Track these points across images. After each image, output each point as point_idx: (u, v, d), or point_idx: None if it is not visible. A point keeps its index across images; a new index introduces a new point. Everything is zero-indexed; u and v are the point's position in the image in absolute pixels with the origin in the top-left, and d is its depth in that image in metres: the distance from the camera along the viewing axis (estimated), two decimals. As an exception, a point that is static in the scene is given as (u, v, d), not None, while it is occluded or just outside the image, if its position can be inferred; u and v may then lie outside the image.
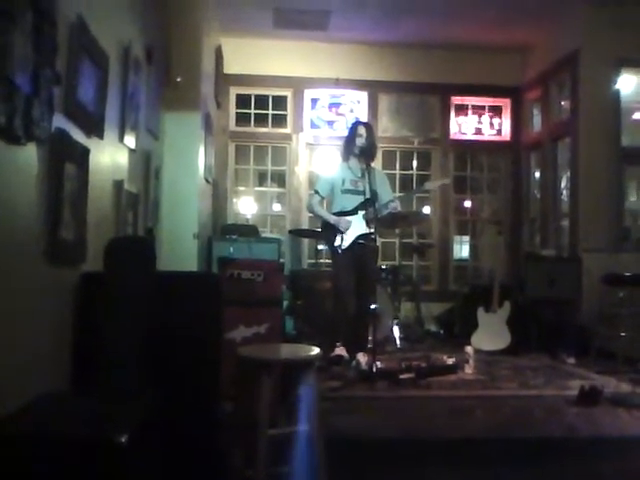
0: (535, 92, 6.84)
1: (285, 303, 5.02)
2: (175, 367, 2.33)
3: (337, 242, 4.42)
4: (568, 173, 6.15)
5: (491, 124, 7.27)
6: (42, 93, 2.02)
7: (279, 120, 7.02)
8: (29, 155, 2.03)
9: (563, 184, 6.39)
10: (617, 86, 5.77)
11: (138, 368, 2.17)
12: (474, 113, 7.24)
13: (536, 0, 5.61)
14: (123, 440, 1.55)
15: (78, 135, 2.51)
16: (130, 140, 3.43)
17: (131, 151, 3.50)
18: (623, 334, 4.44)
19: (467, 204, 7.35)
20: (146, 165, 3.98)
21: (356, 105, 7.07)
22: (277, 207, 7.25)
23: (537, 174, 6.95)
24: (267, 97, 7.00)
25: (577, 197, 5.82)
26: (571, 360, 4.78)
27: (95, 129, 2.77)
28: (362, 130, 4.55)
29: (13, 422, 1.64)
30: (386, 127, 7.06)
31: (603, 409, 3.34)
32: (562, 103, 6.38)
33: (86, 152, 2.59)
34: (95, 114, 2.76)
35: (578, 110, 5.85)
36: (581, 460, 2.79)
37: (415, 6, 5.85)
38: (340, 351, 4.39)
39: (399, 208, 4.55)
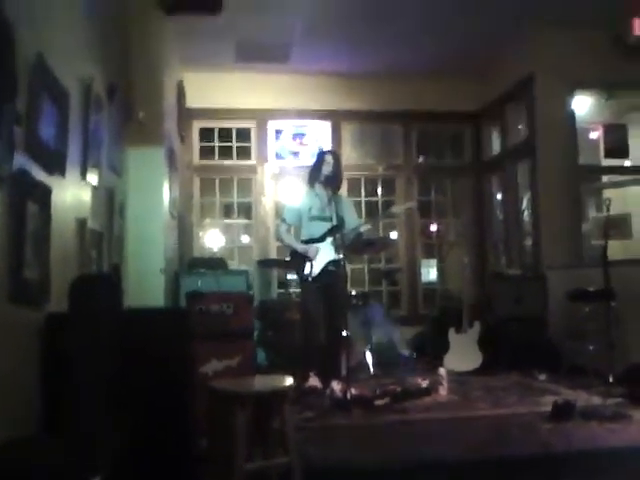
0: (493, 115, 7.01)
1: (255, 334, 4.98)
2: (147, 404, 2.29)
3: (306, 270, 4.43)
4: (529, 194, 6.29)
5: (452, 148, 7.42)
6: (2, 133, 2.00)
7: (244, 152, 7.04)
8: (-11, 196, 2.00)
9: (524, 205, 6.53)
10: (572, 107, 5.96)
11: (108, 409, 2.12)
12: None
13: (491, 25, 5.74)
14: (95, 483, 1.50)
15: (39, 174, 2.47)
16: (92, 177, 3.40)
17: (94, 188, 3.46)
18: (591, 348, 4.52)
19: (433, 228, 7.45)
20: (109, 202, 3.94)
21: (320, 135, 7.14)
22: (245, 238, 7.23)
23: (499, 196, 7.10)
24: (231, 130, 7.03)
25: (538, 217, 5.95)
26: (542, 376, 4.83)
27: (57, 167, 2.73)
28: (329, 158, 4.62)
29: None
30: (349, 155, 7.13)
31: (576, 423, 3.37)
32: (519, 127, 6.55)
33: (48, 191, 2.56)
34: (57, 152, 2.73)
35: (535, 132, 6.02)
36: (557, 476, 2.81)
37: (373, 36, 5.98)
38: (313, 380, 4.35)
39: (369, 226, 4.76)
